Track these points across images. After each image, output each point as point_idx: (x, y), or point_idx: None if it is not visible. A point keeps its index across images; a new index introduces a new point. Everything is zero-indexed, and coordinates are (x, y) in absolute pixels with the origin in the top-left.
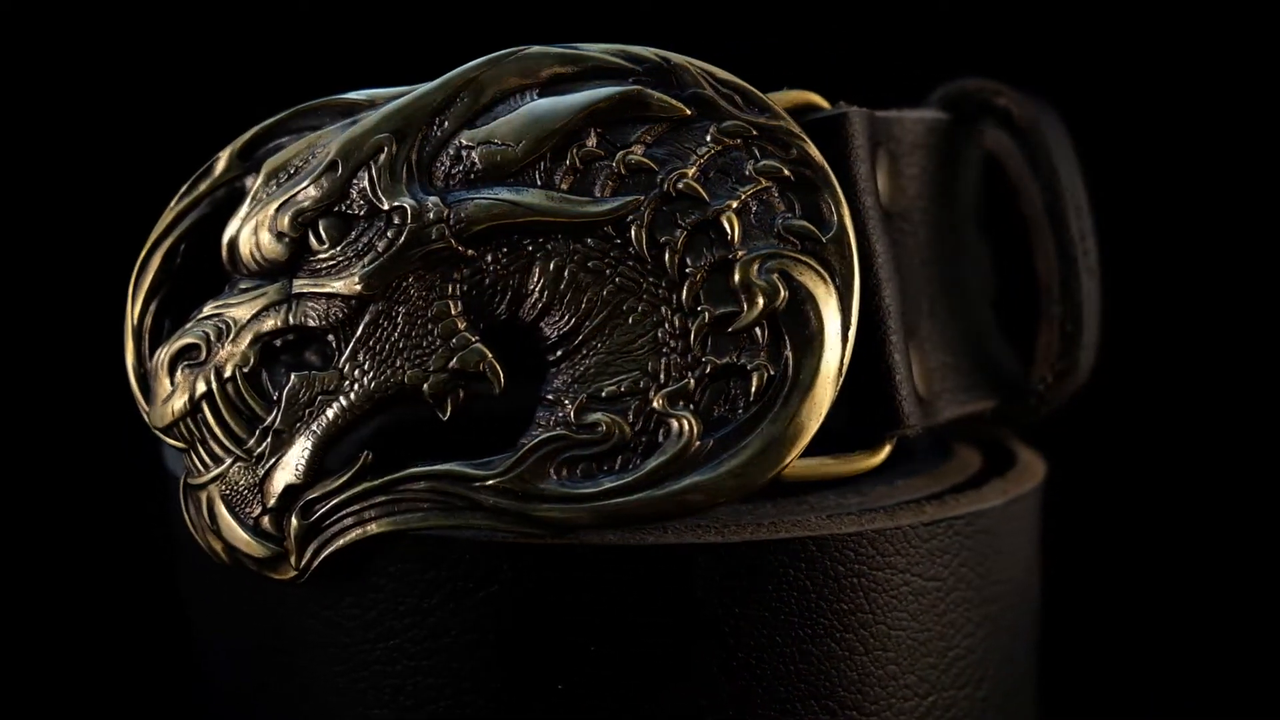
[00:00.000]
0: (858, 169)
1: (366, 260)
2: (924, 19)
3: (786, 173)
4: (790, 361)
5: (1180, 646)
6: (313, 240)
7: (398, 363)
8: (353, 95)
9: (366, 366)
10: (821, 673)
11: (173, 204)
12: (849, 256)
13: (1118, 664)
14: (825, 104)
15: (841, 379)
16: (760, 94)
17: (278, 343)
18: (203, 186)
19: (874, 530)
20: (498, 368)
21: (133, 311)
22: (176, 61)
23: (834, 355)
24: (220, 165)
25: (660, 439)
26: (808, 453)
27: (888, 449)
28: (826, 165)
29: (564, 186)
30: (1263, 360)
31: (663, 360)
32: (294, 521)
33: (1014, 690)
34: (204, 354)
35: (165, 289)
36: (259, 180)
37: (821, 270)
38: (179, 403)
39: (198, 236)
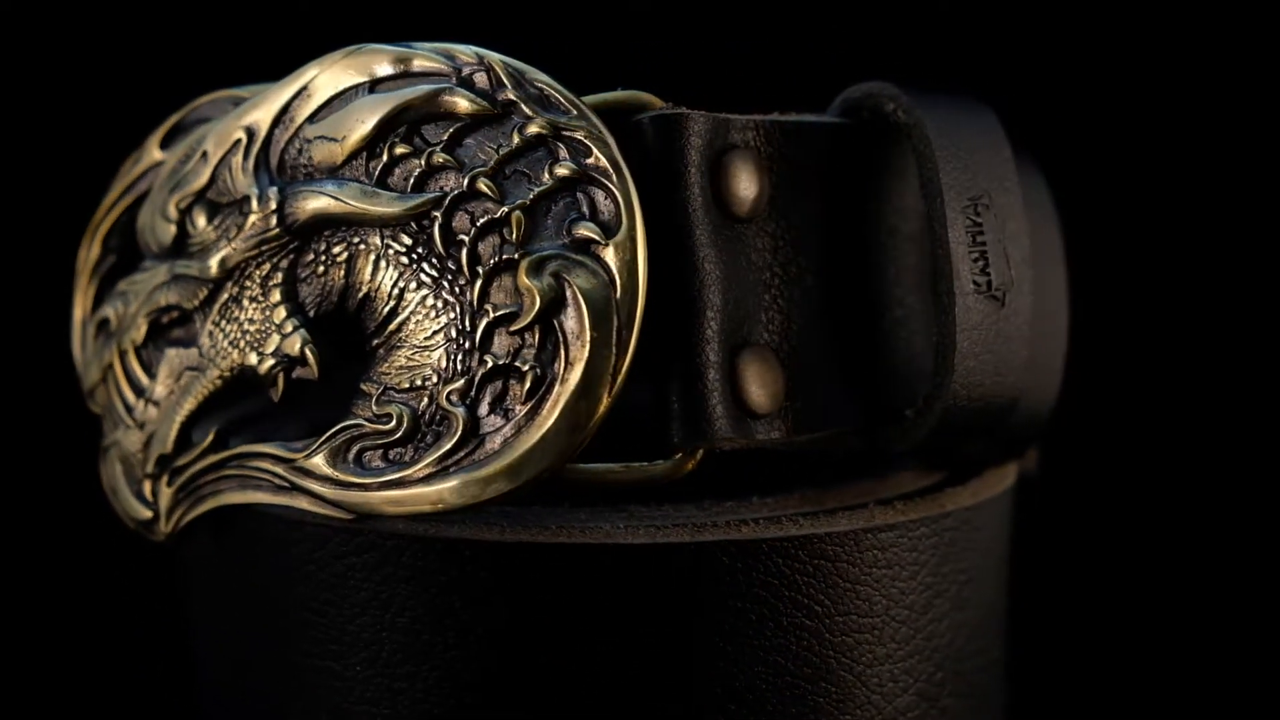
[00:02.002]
0: (686, 171)
1: (221, 245)
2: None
3: (582, 174)
4: (561, 364)
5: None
6: (189, 225)
7: (241, 344)
8: (240, 90)
9: (219, 346)
10: (583, 681)
11: (115, 183)
12: (634, 260)
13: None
14: (659, 104)
15: (616, 384)
16: (568, 95)
17: (165, 319)
18: (135, 170)
19: (672, 544)
20: (316, 353)
21: (80, 284)
22: (131, 44)
23: (604, 360)
24: (147, 150)
25: (442, 433)
26: (608, 457)
27: (691, 462)
28: (624, 167)
29: (379, 182)
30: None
31: (451, 356)
32: (164, 488)
33: None
34: (114, 326)
35: (108, 264)
36: (164, 167)
37: (600, 273)
38: (95, 371)
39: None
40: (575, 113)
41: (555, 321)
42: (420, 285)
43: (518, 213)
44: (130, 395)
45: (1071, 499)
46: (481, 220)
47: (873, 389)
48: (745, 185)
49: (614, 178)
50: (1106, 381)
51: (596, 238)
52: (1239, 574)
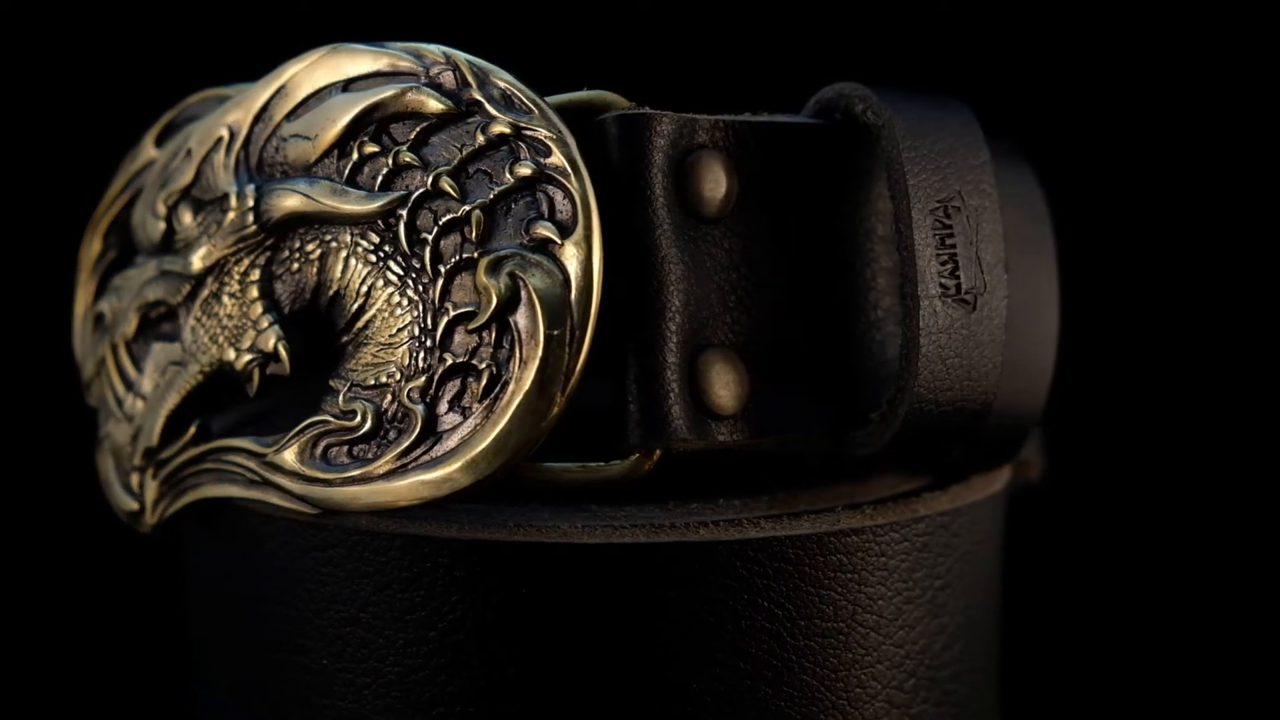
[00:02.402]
0: (649, 172)
1: (203, 242)
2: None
3: (541, 174)
4: (516, 363)
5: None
6: (175, 222)
7: (220, 339)
8: (226, 88)
9: (200, 341)
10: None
11: (114, 179)
12: (589, 260)
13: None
14: (624, 104)
15: (570, 383)
16: (531, 95)
17: (153, 314)
18: (133, 167)
19: (626, 544)
20: (287, 350)
21: (81, 279)
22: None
23: (557, 359)
24: (144, 148)
25: (403, 430)
26: (572, 457)
27: (648, 463)
28: (583, 167)
29: (349, 180)
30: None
31: (414, 354)
32: (149, 481)
33: None
34: (108, 321)
35: (108, 259)
36: (156, 164)
37: (556, 272)
38: (90, 365)
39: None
40: (537, 113)
41: (511, 320)
42: (387, 283)
43: (478, 212)
44: (121, 389)
45: (1077, 502)
46: (444, 219)
47: (846, 392)
48: (711, 186)
49: (572, 178)
50: (1108, 383)
51: (553, 237)
52: (1240, 580)
